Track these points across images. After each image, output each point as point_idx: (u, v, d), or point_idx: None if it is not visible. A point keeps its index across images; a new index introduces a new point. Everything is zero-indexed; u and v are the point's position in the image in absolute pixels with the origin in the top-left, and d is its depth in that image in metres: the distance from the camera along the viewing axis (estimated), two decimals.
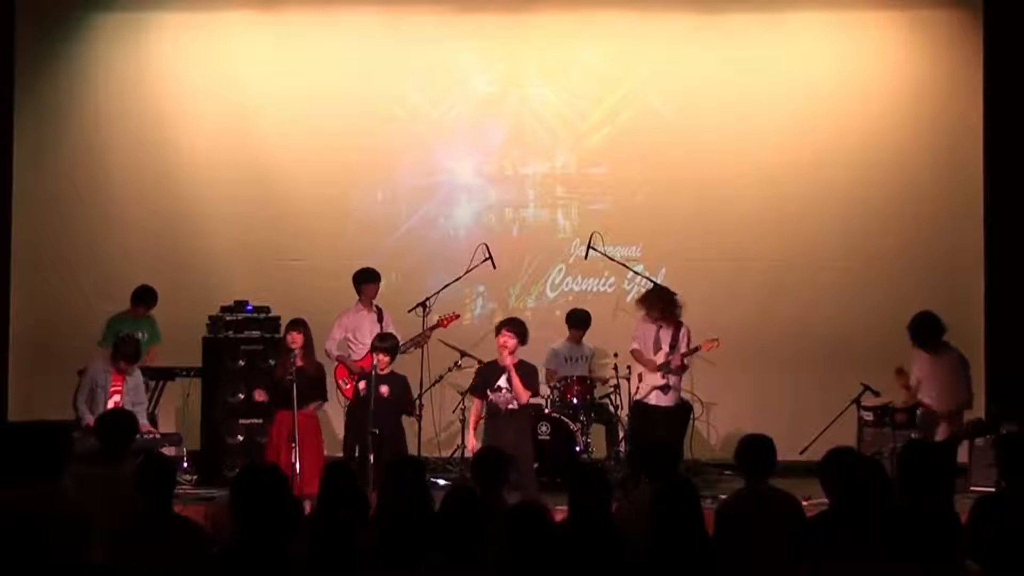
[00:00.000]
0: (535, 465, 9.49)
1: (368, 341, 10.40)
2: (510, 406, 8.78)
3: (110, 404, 9.47)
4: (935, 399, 9.42)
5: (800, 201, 11.90)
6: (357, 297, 10.59)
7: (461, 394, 10.77)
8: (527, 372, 8.92)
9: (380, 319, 10.50)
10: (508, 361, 8.74)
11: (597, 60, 12.18)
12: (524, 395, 8.79)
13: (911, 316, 10.05)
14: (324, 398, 9.62)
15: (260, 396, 9.50)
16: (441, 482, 9.96)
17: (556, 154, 12.23)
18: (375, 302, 10.61)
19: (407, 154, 12.18)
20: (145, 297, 10.91)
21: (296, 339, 9.28)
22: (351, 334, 10.54)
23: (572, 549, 5.03)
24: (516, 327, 8.88)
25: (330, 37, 12.20)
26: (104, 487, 5.72)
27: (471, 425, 9.25)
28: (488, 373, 8.96)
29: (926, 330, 9.53)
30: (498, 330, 8.94)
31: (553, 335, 11.40)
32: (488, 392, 8.84)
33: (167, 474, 5.56)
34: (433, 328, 10.28)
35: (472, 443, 9.14)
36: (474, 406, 9.15)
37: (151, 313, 10.99)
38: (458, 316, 10.72)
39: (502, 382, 8.80)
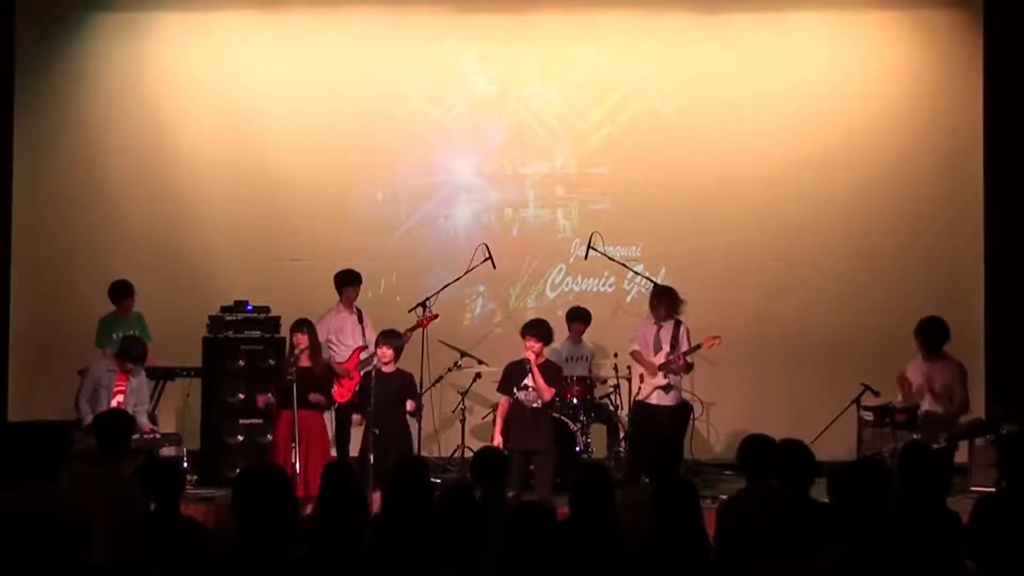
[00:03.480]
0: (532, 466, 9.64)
1: (350, 343, 10.45)
2: (535, 404, 9.09)
3: (113, 404, 9.47)
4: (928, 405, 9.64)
5: (800, 201, 11.90)
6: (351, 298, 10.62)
7: (461, 394, 10.77)
8: (551, 371, 9.23)
9: (360, 320, 10.50)
10: (534, 362, 9.07)
11: (597, 60, 12.18)
12: (547, 392, 9.11)
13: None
14: (330, 401, 9.64)
15: (261, 401, 9.49)
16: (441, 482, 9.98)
17: (556, 154, 12.22)
18: (355, 304, 10.62)
19: (407, 154, 12.18)
20: (123, 292, 10.82)
21: (301, 340, 9.28)
22: (333, 336, 10.53)
23: (573, 549, 5.02)
24: (536, 331, 9.18)
25: (330, 37, 12.19)
26: (104, 487, 5.72)
27: (498, 423, 9.38)
28: (515, 371, 9.23)
29: (937, 334, 9.64)
30: (523, 335, 9.24)
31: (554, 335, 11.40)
32: (515, 390, 9.13)
33: (174, 476, 5.56)
34: (412, 329, 10.17)
35: (499, 440, 9.23)
36: (501, 403, 9.38)
37: (140, 312, 10.95)
38: (437, 316, 10.51)
39: (528, 380, 9.11)
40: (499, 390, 9.43)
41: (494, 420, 9.67)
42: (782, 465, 6.08)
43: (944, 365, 9.75)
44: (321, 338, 10.39)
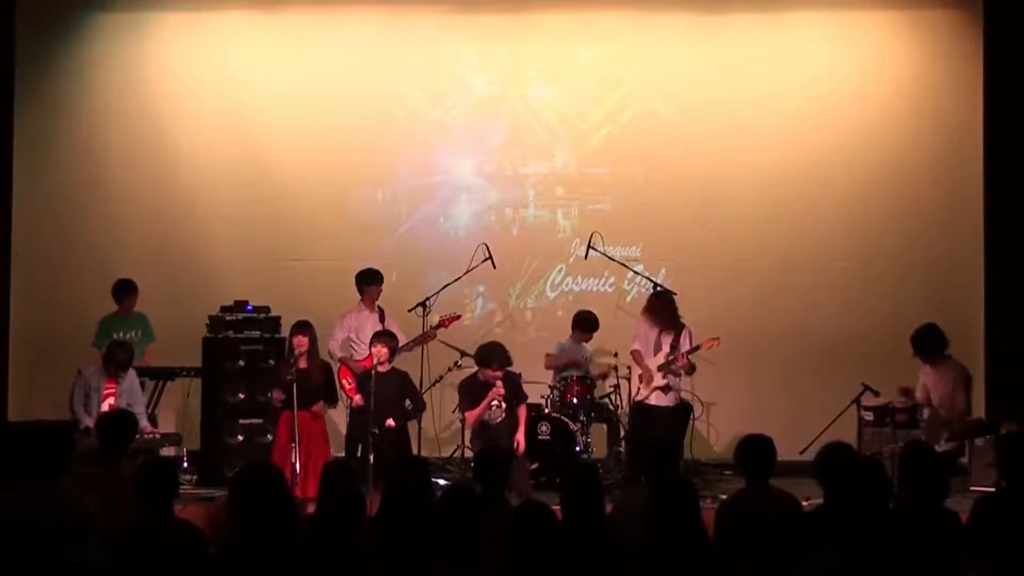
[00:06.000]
0: (533, 466, 9.69)
1: None
2: (499, 420, 9.12)
3: (104, 407, 9.42)
4: (933, 409, 9.70)
5: (800, 201, 11.89)
6: (359, 297, 10.62)
7: None
8: (513, 385, 9.23)
9: (382, 320, 10.52)
10: (498, 389, 9.07)
11: (597, 60, 12.17)
12: (523, 414, 9.27)
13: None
14: (333, 400, 9.64)
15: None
16: (441, 482, 9.96)
17: (556, 154, 12.22)
18: (376, 303, 10.64)
19: (407, 154, 12.18)
20: (126, 290, 10.84)
21: (302, 342, 9.32)
22: (353, 334, 10.56)
23: (565, 549, 5.02)
24: (501, 359, 9.10)
25: (330, 37, 12.18)
26: (104, 487, 5.72)
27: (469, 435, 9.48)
28: (472, 389, 9.18)
29: (927, 343, 9.67)
30: (485, 362, 9.16)
31: (553, 335, 11.42)
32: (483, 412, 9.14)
33: (168, 477, 5.55)
34: (435, 328, 10.32)
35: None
36: (468, 418, 9.33)
37: (142, 312, 10.95)
38: (459, 316, 10.77)
39: (495, 401, 9.05)
40: (461, 409, 9.40)
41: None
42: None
43: (946, 371, 9.75)
44: (340, 336, 10.48)
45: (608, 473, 10.24)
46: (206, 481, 10.04)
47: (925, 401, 9.75)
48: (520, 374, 9.50)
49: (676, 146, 12.02)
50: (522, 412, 9.33)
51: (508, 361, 9.17)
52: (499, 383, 9.06)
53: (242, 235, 12.07)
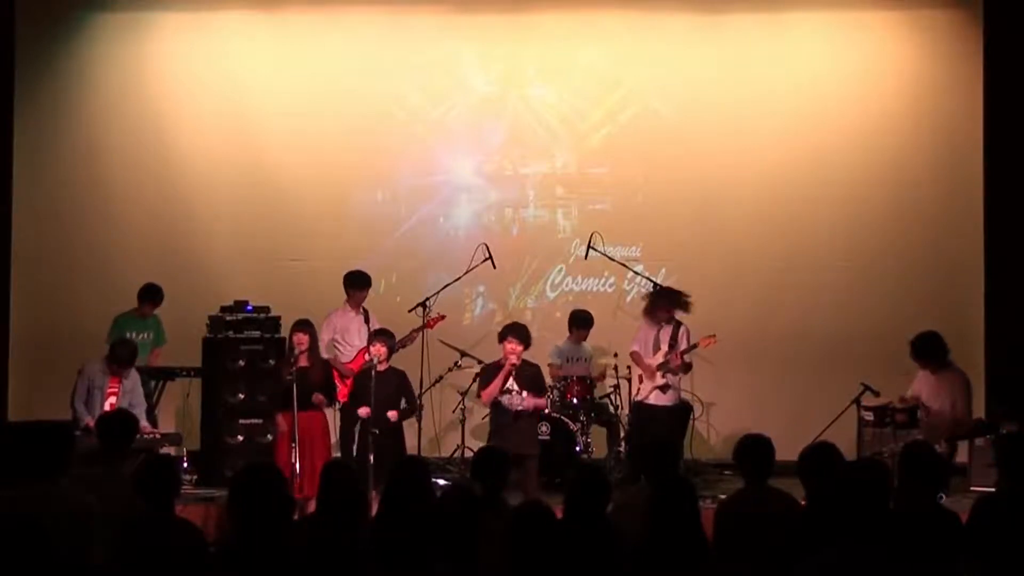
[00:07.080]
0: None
1: (356, 343, 10.46)
2: (519, 407, 9.02)
3: (106, 406, 9.43)
4: (933, 415, 9.67)
5: (800, 201, 11.90)
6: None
7: (461, 394, 10.76)
8: (533, 375, 9.17)
9: (367, 321, 10.52)
10: (512, 363, 8.95)
11: (597, 60, 12.18)
12: (542, 403, 9.25)
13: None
14: (332, 400, 9.62)
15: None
16: (441, 482, 9.96)
17: (556, 154, 12.23)
18: (362, 305, 10.63)
19: (407, 154, 12.18)
20: (151, 295, 10.92)
21: (302, 340, 9.30)
22: (339, 336, 10.56)
23: (567, 549, 5.02)
24: (517, 334, 9.05)
25: (330, 37, 12.20)
26: (104, 487, 5.72)
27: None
28: (492, 373, 9.15)
29: (929, 350, 9.65)
30: (504, 336, 9.09)
31: (553, 335, 11.42)
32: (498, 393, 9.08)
33: (169, 476, 5.55)
34: (419, 330, 10.22)
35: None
36: (483, 397, 9.30)
37: (157, 313, 11.00)
38: (443, 317, 10.65)
39: (511, 384, 9.00)
40: (479, 392, 9.40)
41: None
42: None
43: (948, 380, 9.72)
44: (327, 337, 10.45)
45: (608, 473, 10.23)
46: (206, 481, 10.04)
47: (921, 408, 9.72)
48: (540, 372, 9.47)
49: (676, 146, 12.02)
50: (539, 402, 9.22)
51: (527, 338, 9.06)
52: (513, 356, 8.98)
53: (242, 235, 12.08)
